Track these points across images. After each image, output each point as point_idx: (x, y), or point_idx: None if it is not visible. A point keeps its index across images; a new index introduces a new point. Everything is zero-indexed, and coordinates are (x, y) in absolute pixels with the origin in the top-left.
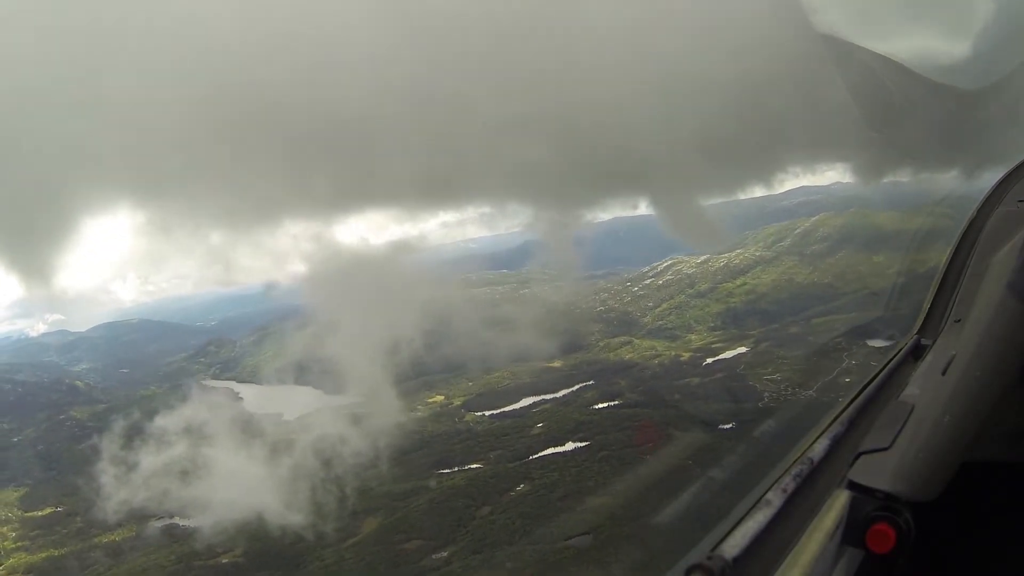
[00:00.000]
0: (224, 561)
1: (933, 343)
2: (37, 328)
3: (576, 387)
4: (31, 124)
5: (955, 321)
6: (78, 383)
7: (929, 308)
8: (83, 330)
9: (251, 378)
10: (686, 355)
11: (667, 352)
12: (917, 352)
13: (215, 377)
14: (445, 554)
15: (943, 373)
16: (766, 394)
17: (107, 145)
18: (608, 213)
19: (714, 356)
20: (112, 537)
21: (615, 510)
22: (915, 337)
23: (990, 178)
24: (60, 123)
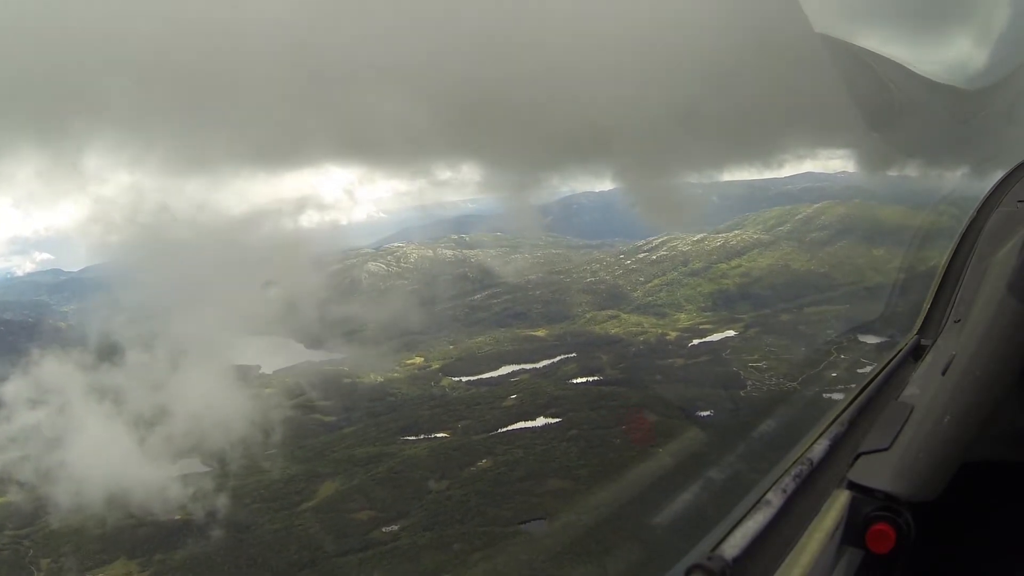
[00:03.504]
0: (176, 518)
1: (933, 343)
2: (25, 267)
3: (557, 358)
4: None
5: (955, 321)
6: (61, 324)
7: (929, 308)
8: (75, 270)
9: (235, 326)
10: (672, 334)
11: (653, 330)
12: (917, 352)
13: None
14: (395, 528)
15: (943, 373)
16: (749, 382)
17: None
18: (608, 184)
19: (701, 338)
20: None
21: (575, 496)
22: (915, 337)
23: (991, 178)
24: None
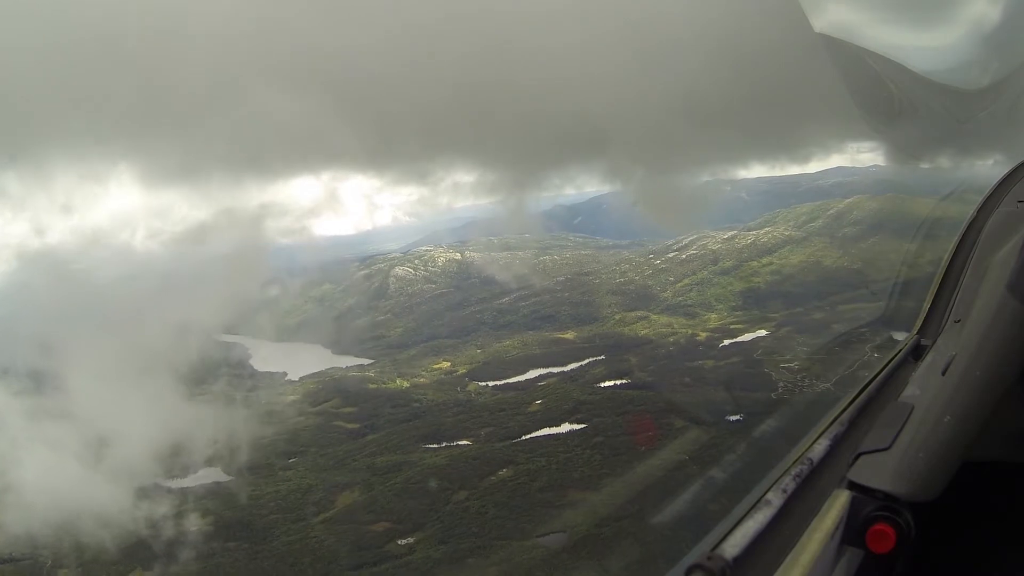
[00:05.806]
0: (193, 529)
1: (933, 343)
2: None
3: (585, 361)
4: None
5: (955, 321)
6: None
7: (929, 308)
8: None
9: (263, 333)
10: (703, 335)
11: (683, 330)
12: (917, 352)
13: (227, 331)
14: (411, 540)
15: (943, 373)
16: (781, 384)
17: None
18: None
19: (732, 338)
20: None
21: (597, 507)
22: (915, 337)
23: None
24: None
